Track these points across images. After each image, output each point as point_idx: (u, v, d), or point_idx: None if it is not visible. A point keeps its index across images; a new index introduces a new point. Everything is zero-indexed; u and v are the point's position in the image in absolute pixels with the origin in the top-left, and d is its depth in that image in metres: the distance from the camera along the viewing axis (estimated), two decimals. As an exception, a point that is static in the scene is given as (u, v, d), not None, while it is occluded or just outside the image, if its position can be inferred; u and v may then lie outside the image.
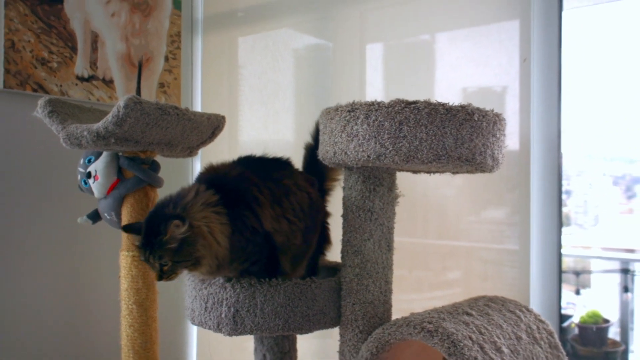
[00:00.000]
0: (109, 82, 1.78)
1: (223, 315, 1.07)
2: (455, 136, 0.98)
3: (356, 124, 1.01)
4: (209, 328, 1.11)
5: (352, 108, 1.02)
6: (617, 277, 2.30)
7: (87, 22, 1.72)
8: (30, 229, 1.61)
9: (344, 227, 1.14)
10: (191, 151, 1.44)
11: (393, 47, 1.72)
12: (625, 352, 2.13)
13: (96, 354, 1.74)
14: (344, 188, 1.15)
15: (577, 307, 2.31)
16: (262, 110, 1.96)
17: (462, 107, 0.99)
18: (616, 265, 2.35)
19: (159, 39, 1.92)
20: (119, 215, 1.37)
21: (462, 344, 0.93)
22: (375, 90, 1.71)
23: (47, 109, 1.27)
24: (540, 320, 1.15)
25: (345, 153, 1.03)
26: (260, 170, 1.11)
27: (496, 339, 1.00)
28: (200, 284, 1.12)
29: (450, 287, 1.60)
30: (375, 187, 1.11)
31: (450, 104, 0.99)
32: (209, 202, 1.01)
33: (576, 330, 2.18)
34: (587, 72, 1.65)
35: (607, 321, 2.18)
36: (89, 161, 1.36)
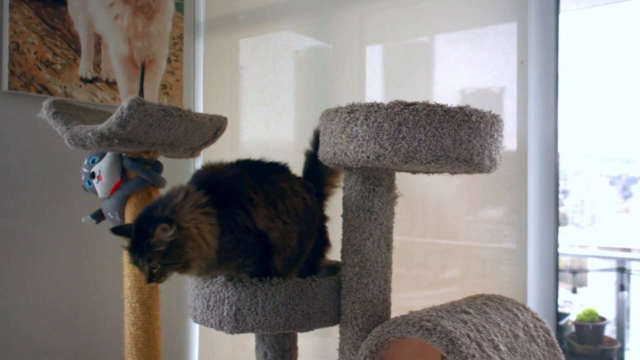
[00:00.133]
0: (112, 84, 1.78)
1: (225, 314, 1.08)
2: (454, 137, 0.98)
3: (356, 125, 1.01)
4: (211, 326, 1.10)
5: (352, 109, 1.02)
6: (613, 276, 2.30)
7: (90, 25, 1.73)
8: (35, 228, 1.62)
9: (343, 227, 1.14)
10: (193, 152, 1.45)
11: (392, 49, 1.72)
12: (621, 350, 2.13)
13: (100, 351, 1.74)
14: (343, 188, 1.16)
15: (574, 305, 2.32)
16: (263, 111, 1.95)
17: (460, 108, 0.99)
18: (612, 264, 2.36)
19: (162, 41, 1.92)
20: (122, 215, 1.37)
21: (460, 342, 0.93)
22: (375, 92, 1.71)
23: (52, 110, 1.28)
24: (538, 319, 1.15)
25: (345, 154, 1.03)
26: (257, 173, 1.11)
27: (494, 337, 1.00)
28: (202, 282, 1.12)
29: (449, 286, 1.60)
30: (375, 187, 1.11)
31: (449, 105, 0.99)
32: (198, 204, 0.99)
33: (573, 328, 2.18)
34: (583, 74, 1.65)
35: (603, 319, 2.19)
36: (93, 162, 1.37)
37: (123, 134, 1.18)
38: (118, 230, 1.02)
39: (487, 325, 1.03)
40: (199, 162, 2.01)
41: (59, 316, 1.67)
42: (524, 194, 1.44)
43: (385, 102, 1.00)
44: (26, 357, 1.59)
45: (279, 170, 1.16)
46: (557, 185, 1.41)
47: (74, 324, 1.70)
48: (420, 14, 1.64)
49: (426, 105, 0.98)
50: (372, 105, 1.00)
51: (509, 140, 1.43)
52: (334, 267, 1.26)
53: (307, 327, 1.10)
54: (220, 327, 1.09)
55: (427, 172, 1.17)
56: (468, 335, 0.96)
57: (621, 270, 2.28)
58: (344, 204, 1.15)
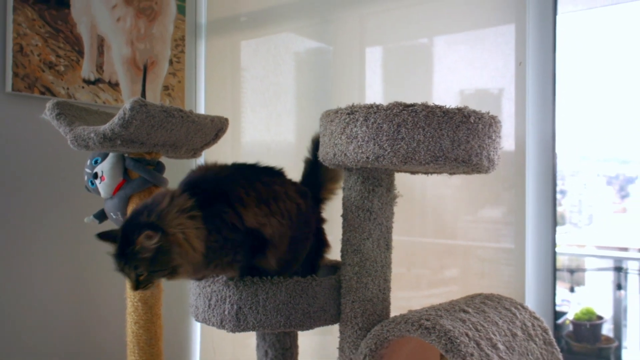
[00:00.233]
0: (114, 85, 1.79)
1: (226, 312, 1.08)
2: (452, 138, 0.98)
3: (355, 126, 1.01)
4: (213, 325, 1.11)
5: (352, 110, 1.02)
6: (610, 275, 2.30)
7: (93, 27, 1.73)
8: (38, 228, 1.62)
9: (343, 227, 1.14)
10: (195, 152, 1.45)
11: (392, 51, 1.72)
12: (618, 348, 2.13)
13: (103, 350, 1.75)
14: (343, 188, 1.16)
15: (572, 304, 2.32)
16: (264, 112, 1.95)
17: (459, 109, 0.99)
18: (610, 263, 2.36)
19: (164, 43, 1.92)
20: (124, 215, 1.37)
21: (458, 341, 0.93)
22: (375, 93, 1.71)
23: (55, 111, 1.28)
24: (535, 317, 1.15)
25: (345, 154, 1.04)
26: (251, 175, 1.10)
27: (492, 335, 1.00)
28: (203, 281, 1.13)
29: (448, 285, 1.60)
30: (374, 187, 1.11)
31: (447, 106, 0.99)
32: (184, 208, 0.98)
33: (570, 327, 2.18)
34: (581, 75, 1.65)
35: (600, 318, 2.19)
36: (96, 162, 1.37)
37: (125, 134, 1.19)
38: (105, 236, 0.99)
39: (486, 324, 1.03)
40: (200, 163, 2.02)
41: (62, 315, 1.68)
42: (522, 194, 1.44)
43: (385, 103, 1.00)
44: (30, 355, 1.60)
45: (273, 174, 1.15)
46: (554, 185, 1.41)
47: (77, 323, 1.71)
48: (419, 16, 1.64)
49: (425, 106, 0.98)
50: (371, 106, 1.01)
51: (507, 140, 1.43)
52: (334, 267, 1.26)
53: (308, 326, 1.11)
54: (221, 325, 1.09)
55: (426, 173, 1.17)
56: (467, 334, 0.96)
57: (618, 269, 2.27)
58: (343, 204, 1.15)
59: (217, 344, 2.02)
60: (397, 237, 1.17)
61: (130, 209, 1.36)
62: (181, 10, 1.98)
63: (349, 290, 1.12)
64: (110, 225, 1.45)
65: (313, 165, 1.25)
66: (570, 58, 1.47)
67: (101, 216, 1.44)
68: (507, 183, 1.48)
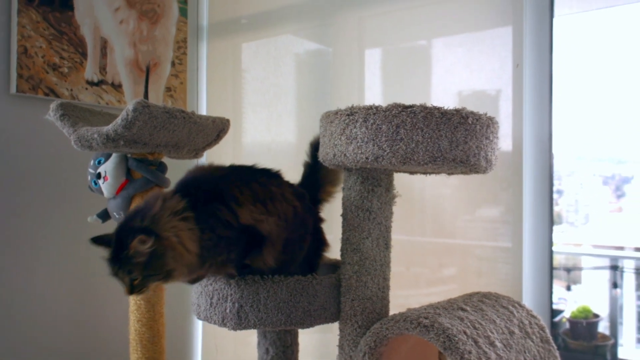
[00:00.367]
0: (117, 87, 1.80)
1: (228, 311, 1.08)
2: (450, 139, 0.98)
3: (355, 127, 1.01)
4: (214, 323, 1.11)
5: (351, 112, 1.02)
6: (606, 274, 2.30)
7: (96, 29, 1.74)
8: (42, 228, 1.63)
9: (343, 226, 1.14)
10: (197, 153, 1.46)
11: (391, 52, 1.72)
12: (614, 346, 2.14)
13: (106, 347, 1.76)
14: (343, 188, 1.16)
15: (568, 302, 2.32)
16: (265, 113, 1.96)
17: (457, 110, 0.99)
18: (606, 262, 2.37)
19: (166, 45, 1.93)
20: (127, 214, 1.40)
21: (456, 339, 0.93)
22: (374, 94, 1.71)
23: (59, 112, 1.29)
24: (532, 315, 1.15)
25: (345, 155, 1.04)
26: (247, 175, 1.09)
27: (490, 333, 1.00)
28: (205, 280, 1.13)
29: (446, 284, 1.60)
30: (374, 187, 1.11)
31: (445, 107, 0.99)
32: (176, 210, 0.96)
33: (567, 325, 2.18)
34: (577, 77, 1.65)
35: (597, 316, 2.19)
36: (99, 162, 1.38)
37: (128, 135, 1.20)
38: (98, 241, 0.98)
39: (484, 322, 1.03)
40: (197, 164, 2.03)
41: (65, 313, 1.68)
42: (519, 193, 1.44)
43: (384, 104, 1.00)
44: (35, 352, 1.61)
45: (270, 175, 1.14)
46: (551, 185, 1.42)
47: (81, 321, 1.72)
48: (418, 18, 1.65)
49: (423, 107, 0.98)
50: (370, 107, 1.01)
51: (504, 141, 1.43)
52: (334, 265, 1.26)
53: (308, 324, 1.11)
54: (223, 323, 1.10)
55: (424, 173, 1.17)
56: (465, 332, 0.97)
57: (614, 268, 2.28)
58: (343, 203, 1.15)
59: (218, 342, 2.03)
60: (396, 236, 1.17)
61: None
62: (183, 12, 1.99)
63: (348, 289, 1.12)
64: (113, 224, 1.46)
65: (312, 168, 1.25)
66: (566, 60, 1.47)
67: (104, 216, 1.45)
68: (505, 183, 1.48)
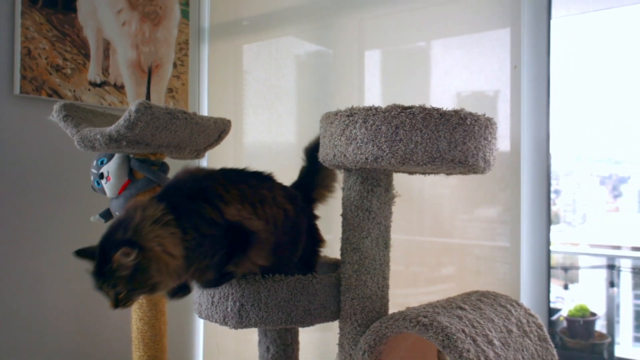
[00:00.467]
0: (120, 88, 1.80)
1: (229, 309, 1.09)
2: (449, 139, 0.98)
3: (355, 127, 1.01)
4: (216, 321, 1.11)
5: (351, 113, 1.02)
6: (603, 273, 2.31)
7: (99, 31, 1.75)
8: (45, 227, 1.64)
9: (343, 226, 1.14)
10: (198, 153, 1.46)
11: (390, 54, 1.72)
12: (611, 344, 2.15)
13: (108, 346, 1.76)
14: (343, 189, 1.16)
15: (566, 301, 2.33)
16: (265, 114, 1.96)
17: (455, 111, 0.99)
18: (603, 261, 2.37)
19: (168, 46, 1.94)
20: (130, 214, 1.40)
21: (455, 337, 0.94)
22: (373, 95, 1.71)
23: (62, 113, 1.29)
24: (530, 314, 1.15)
25: (344, 155, 1.04)
26: (236, 177, 1.07)
27: (488, 332, 1.01)
28: None
29: (445, 283, 1.59)
30: (373, 187, 1.11)
31: (444, 108, 0.99)
32: (156, 217, 0.92)
33: (564, 324, 2.19)
34: (575, 78, 1.66)
35: (594, 314, 2.20)
36: (102, 163, 1.39)
37: (131, 136, 1.20)
38: (82, 254, 0.95)
39: (482, 320, 1.04)
40: (203, 163, 2.01)
41: (68, 312, 1.69)
42: (517, 193, 1.45)
43: (384, 105, 1.00)
44: (37, 351, 1.62)
45: (262, 178, 1.12)
46: (549, 185, 1.42)
47: (83, 320, 1.72)
48: (417, 20, 1.65)
49: (422, 108, 0.98)
50: (370, 108, 1.01)
51: (502, 142, 1.44)
52: (334, 264, 1.26)
53: (308, 323, 1.11)
54: (224, 322, 1.10)
55: (423, 173, 1.16)
56: (463, 331, 0.97)
57: (611, 267, 2.28)
58: (343, 203, 1.15)
59: (220, 340, 2.03)
60: (395, 236, 1.17)
61: (135, 208, 1.38)
62: (185, 14, 1.99)
63: (348, 288, 1.13)
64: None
65: (307, 171, 1.24)
66: (564, 61, 1.47)
67: (107, 215, 1.45)
68: (503, 183, 1.48)
